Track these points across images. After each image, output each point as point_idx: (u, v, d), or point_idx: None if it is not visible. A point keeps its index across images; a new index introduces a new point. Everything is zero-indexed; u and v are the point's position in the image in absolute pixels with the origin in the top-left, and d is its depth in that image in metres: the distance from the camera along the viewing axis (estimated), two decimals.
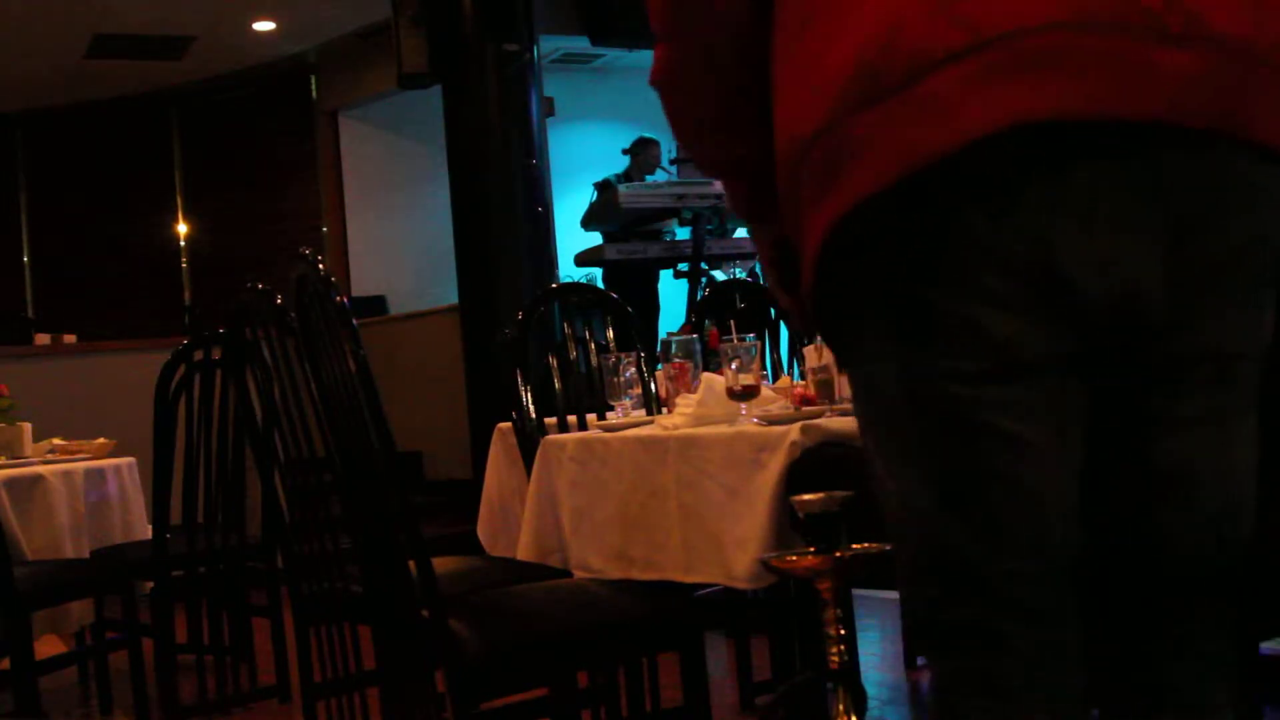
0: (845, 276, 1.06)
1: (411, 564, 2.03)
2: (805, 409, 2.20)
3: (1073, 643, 1.06)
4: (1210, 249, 1.01)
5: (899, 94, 0.96)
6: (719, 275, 6.73)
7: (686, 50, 1.20)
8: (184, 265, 9.36)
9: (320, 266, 2.07)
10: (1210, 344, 1.04)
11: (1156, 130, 0.96)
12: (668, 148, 7.46)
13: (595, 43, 7.83)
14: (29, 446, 3.98)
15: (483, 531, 3.24)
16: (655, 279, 7.32)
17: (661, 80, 1.24)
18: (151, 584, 3.54)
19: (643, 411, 2.80)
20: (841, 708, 1.94)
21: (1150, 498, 1.08)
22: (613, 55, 8.22)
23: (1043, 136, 0.95)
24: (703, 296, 4.73)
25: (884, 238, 1.01)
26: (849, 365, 1.12)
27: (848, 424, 2.00)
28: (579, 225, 7.34)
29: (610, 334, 3.29)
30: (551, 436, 2.67)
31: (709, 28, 1.17)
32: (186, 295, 9.27)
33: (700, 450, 2.21)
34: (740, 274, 6.48)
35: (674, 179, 7.31)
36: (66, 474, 3.70)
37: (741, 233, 7.06)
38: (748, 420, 2.26)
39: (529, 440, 2.93)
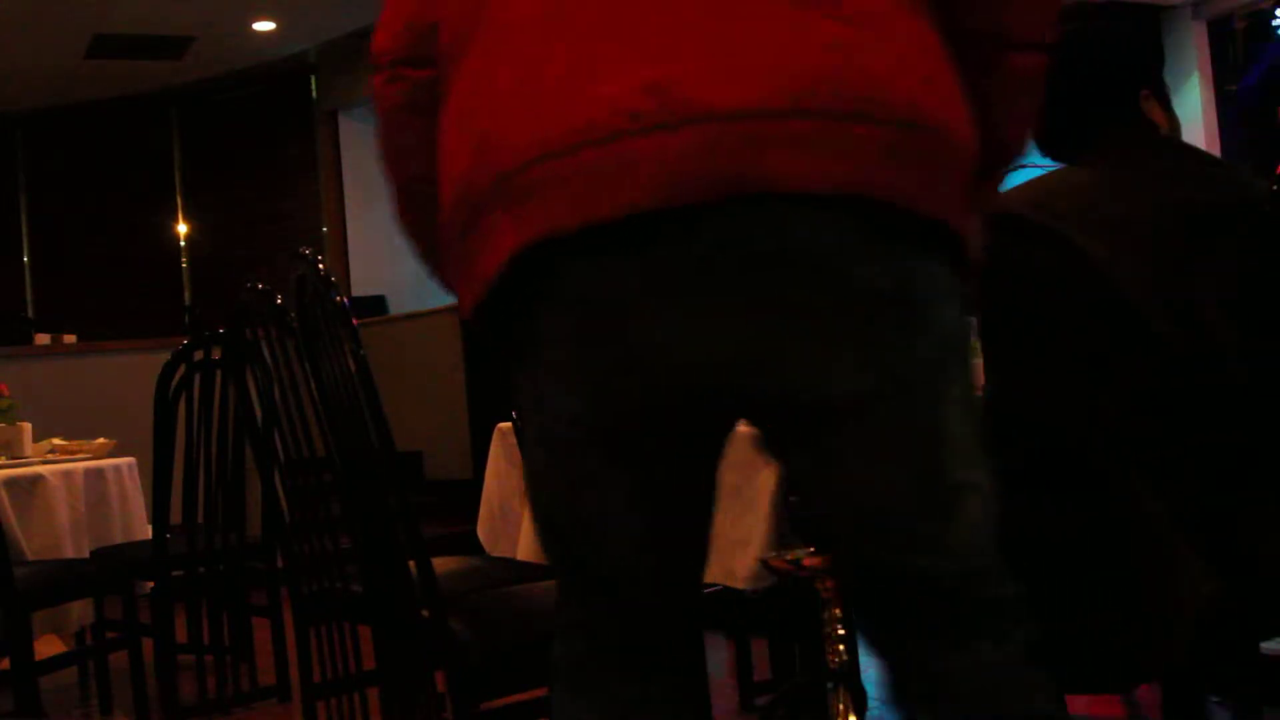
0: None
1: (411, 564, 2.03)
2: None
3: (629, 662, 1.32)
4: (791, 300, 1.05)
5: (467, 233, 1.15)
6: None
7: (396, 187, 1.37)
8: (184, 265, 9.36)
9: (320, 266, 2.07)
10: (826, 388, 1.07)
11: (666, 216, 1.03)
12: None
13: None
14: (29, 446, 3.98)
15: (483, 531, 3.23)
16: None
17: (396, 219, 1.40)
18: (151, 584, 3.54)
19: None
20: (841, 708, 1.94)
21: (832, 525, 1.16)
22: None
23: (558, 249, 1.08)
24: None
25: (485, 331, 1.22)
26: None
27: None
28: None
29: None
30: None
31: (403, 167, 1.34)
32: (186, 295, 9.26)
33: None
34: None
35: None
36: (66, 474, 3.70)
37: None
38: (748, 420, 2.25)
39: None
